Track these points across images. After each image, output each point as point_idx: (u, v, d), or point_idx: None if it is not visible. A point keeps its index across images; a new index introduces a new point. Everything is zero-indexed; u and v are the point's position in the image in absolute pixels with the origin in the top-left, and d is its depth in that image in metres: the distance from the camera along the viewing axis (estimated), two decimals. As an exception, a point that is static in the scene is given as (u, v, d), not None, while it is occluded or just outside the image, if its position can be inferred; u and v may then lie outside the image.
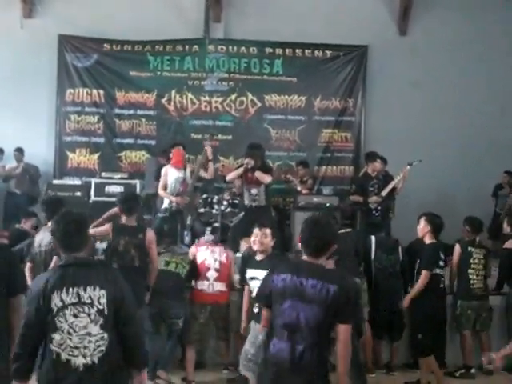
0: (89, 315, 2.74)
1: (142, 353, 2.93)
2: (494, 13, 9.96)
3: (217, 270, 5.57)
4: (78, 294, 2.74)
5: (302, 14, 9.70)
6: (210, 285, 5.53)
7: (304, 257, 3.07)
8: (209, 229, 5.94)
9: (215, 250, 5.69)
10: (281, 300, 2.98)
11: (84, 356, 2.73)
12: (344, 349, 2.89)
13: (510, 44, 10.03)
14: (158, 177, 7.84)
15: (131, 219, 5.38)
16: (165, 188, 7.39)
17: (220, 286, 5.53)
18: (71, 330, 2.72)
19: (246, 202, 7.44)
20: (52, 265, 5.16)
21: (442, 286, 5.81)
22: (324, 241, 3.03)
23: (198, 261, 5.61)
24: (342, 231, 6.01)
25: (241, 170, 7.36)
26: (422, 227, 5.68)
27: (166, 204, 7.40)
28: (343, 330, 2.88)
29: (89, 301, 2.75)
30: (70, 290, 2.74)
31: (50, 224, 5.29)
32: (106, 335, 2.76)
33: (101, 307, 2.75)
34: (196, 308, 5.55)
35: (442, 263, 5.75)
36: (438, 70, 9.91)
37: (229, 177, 7.72)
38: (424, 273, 5.57)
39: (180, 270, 5.59)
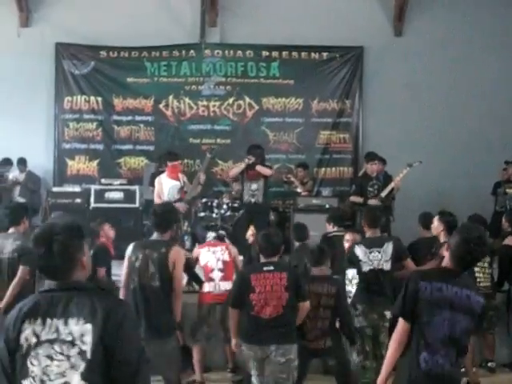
0: (68, 358, 2.00)
1: None
2: (489, 13, 10.00)
3: (221, 270, 5.55)
4: (57, 329, 2.03)
5: (298, 17, 9.73)
6: (217, 285, 5.52)
7: None
8: (213, 234, 5.89)
9: (216, 249, 5.67)
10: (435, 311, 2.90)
11: None
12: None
13: (505, 44, 10.05)
14: (152, 183, 7.91)
15: (162, 236, 4.60)
16: (160, 196, 7.43)
17: (227, 285, 5.48)
18: (45, 378, 2.00)
19: (246, 198, 7.55)
20: (17, 278, 4.97)
21: None
22: None
23: (201, 263, 5.61)
24: (339, 233, 6.03)
25: (243, 165, 7.51)
26: (436, 226, 5.72)
27: None
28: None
29: (69, 338, 2.01)
30: (48, 321, 2.04)
31: (10, 231, 5.28)
32: None
33: (84, 348, 2.00)
34: (205, 310, 5.54)
35: None
36: (433, 71, 9.94)
37: (231, 172, 7.89)
38: None
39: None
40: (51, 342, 2.03)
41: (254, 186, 7.53)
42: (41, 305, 2.07)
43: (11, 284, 5.02)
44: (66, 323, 2.03)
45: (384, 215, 6.65)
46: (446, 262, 3.02)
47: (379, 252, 5.08)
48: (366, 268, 5.04)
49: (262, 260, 4.45)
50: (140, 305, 4.34)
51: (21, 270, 5.00)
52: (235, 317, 4.39)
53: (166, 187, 7.43)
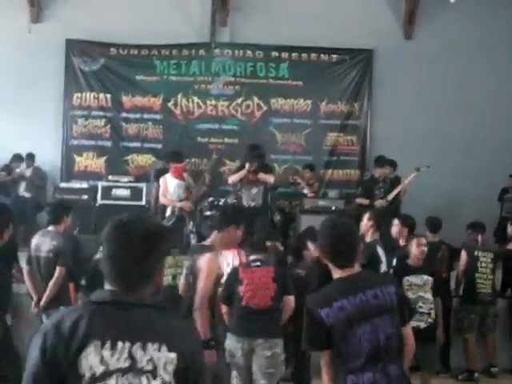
0: None
1: None
2: (500, 16, 9.96)
3: None
4: (131, 355, 1.64)
5: (308, 19, 9.72)
6: None
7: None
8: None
9: (227, 254, 5.64)
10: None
11: None
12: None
13: (516, 48, 10.03)
14: (156, 177, 8.01)
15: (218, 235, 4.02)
16: (165, 195, 7.45)
17: None
18: None
19: (245, 202, 7.50)
20: (54, 279, 5.03)
21: None
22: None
23: None
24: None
25: (243, 172, 7.43)
26: (399, 229, 5.94)
27: (169, 211, 7.46)
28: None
29: (149, 367, 1.65)
30: (119, 344, 1.64)
31: (50, 228, 5.29)
32: None
33: (167, 378, 1.67)
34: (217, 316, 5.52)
35: None
36: (443, 74, 9.91)
37: (231, 179, 7.78)
38: None
39: (178, 280, 5.60)
40: (124, 372, 1.63)
41: (255, 190, 7.45)
42: (107, 320, 1.66)
43: (48, 285, 5.03)
44: (143, 348, 1.65)
45: (390, 218, 6.66)
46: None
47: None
48: (382, 269, 5.13)
49: (251, 257, 4.59)
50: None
51: (58, 271, 5.02)
52: (228, 313, 4.44)
53: (171, 186, 7.44)
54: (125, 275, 1.70)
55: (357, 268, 2.70)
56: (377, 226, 5.62)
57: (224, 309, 4.42)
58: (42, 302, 4.95)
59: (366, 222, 5.60)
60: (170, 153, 8.07)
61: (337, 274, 2.64)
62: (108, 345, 1.63)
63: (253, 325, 4.24)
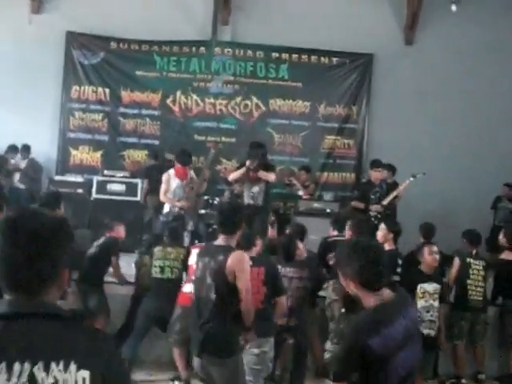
0: None
1: None
2: (502, 19, 9.95)
3: None
4: (32, 378, 1.37)
5: (309, 21, 9.74)
6: None
7: None
8: (210, 230, 5.92)
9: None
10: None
11: None
12: None
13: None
14: (146, 175, 8.26)
15: (228, 239, 3.80)
16: (166, 194, 7.43)
17: None
18: None
19: (246, 201, 7.47)
20: None
21: None
22: None
23: (189, 262, 5.45)
24: (339, 238, 6.04)
25: (243, 169, 7.39)
26: (384, 234, 5.99)
27: (167, 208, 7.44)
28: None
29: None
30: (16, 366, 1.37)
31: None
32: None
33: None
34: (179, 310, 5.43)
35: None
36: (443, 80, 9.93)
37: (231, 177, 7.72)
38: None
39: (175, 274, 5.63)
40: None
41: (256, 189, 7.41)
42: (4, 339, 1.38)
43: None
44: (46, 368, 1.38)
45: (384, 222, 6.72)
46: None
47: None
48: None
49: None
50: (197, 320, 3.76)
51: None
52: None
53: (173, 186, 7.42)
54: (18, 278, 1.45)
55: (385, 290, 2.50)
56: (394, 236, 5.93)
57: None
58: None
59: (384, 232, 5.90)
60: (179, 152, 7.77)
61: (369, 298, 2.44)
62: (3, 367, 1.35)
63: None
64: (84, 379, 1.37)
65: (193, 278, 5.34)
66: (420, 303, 5.25)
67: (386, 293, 2.46)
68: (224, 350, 3.65)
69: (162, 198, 7.45)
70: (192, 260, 5.55)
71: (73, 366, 1.38)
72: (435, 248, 5.40)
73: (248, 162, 7.21)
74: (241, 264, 3.63)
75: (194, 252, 5.61)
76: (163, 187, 7.41)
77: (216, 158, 9.29)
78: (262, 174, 7.27)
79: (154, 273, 5.65)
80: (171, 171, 7.50)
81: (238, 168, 7.62)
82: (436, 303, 5.28)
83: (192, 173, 7.69)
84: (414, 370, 2.46)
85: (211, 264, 3.69)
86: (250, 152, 7.37)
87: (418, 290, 5.17)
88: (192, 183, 7.55)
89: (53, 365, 1.37)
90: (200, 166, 9.07)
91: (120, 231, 6.33)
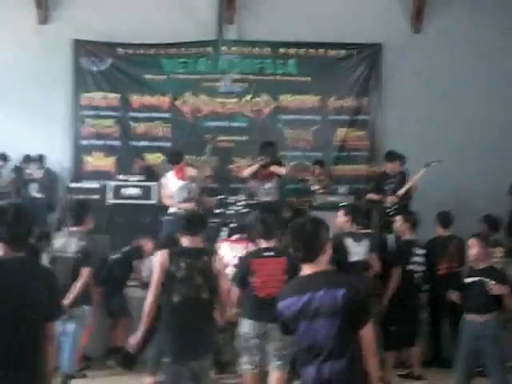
0: None
1: None
2: (511, 9, 9.83)
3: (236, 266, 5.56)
4: None
5: (315, 14, 9.69)
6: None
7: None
8: (225, 229, 5.94)
9: (236, 246, 5.69)
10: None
11: None
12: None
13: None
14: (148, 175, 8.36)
15: (195, 240, 4.15)
16: (169, 196, 7.53)
17: None
18: None
19: (260, 197, 7.66)
20: (81, 279, 5.06)
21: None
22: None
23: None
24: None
25: (256, 165, 7.58)
26: (401, 224, 6.45)
27: (172, 209, 7.51)
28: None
29: None
30: None
31: (74, 229, 5.31)
32: None
33: None
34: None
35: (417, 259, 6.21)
36: (452, 68, 9.84)
37: (246, 172, 7.93)
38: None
39: None
40: None
41: (268, 185, 7.63)
42: None
43: (74, 285, 5.06)
44: None
45: (400, 213, 6.77)
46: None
47: None
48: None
49: (263, 245, 4.70)
50: (186, 319, 3.95)
51: (85, 271, 5.09)
52: (237, 293, 4.61)
53: (174, 187, 7.48)
54: None
55: (323, 265, 2.87)
56: (411, 226, 6.29)
57: (235, 290, 4.59)
58: (66, 302, 4.94)
59: (402, 223, 6.33)
60: (169, 152, 8.18)
61: (303, 270, 2.91)
62: None
63: (264, 310, 4.37)
64: None
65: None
66: None
67: (319, 267, 2.84)
68: (208, 345, 4.10)
69: (166, 201, 7.52)
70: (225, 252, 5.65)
71: None
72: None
73: (260, 159, 7.44)
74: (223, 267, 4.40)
75: (222, 246, 5.69)
76: (165, 190, 7.50)
77: (214, 151, 9.24)
78: (274, 168, 7.49)
79: None
80: (170, 173, 7.58)
81: (250, 165, 7.79)
82: None
83: (194, 171, 7.76)
84: (326, 346, 2.70)
85: (197, 263, 4.00)
86: (261, 150, 7.59)
87: None
88: (196, 179, 7.63)
89: None
90: (201, 162, 9.13)
91: (148, 248, 6.49)
